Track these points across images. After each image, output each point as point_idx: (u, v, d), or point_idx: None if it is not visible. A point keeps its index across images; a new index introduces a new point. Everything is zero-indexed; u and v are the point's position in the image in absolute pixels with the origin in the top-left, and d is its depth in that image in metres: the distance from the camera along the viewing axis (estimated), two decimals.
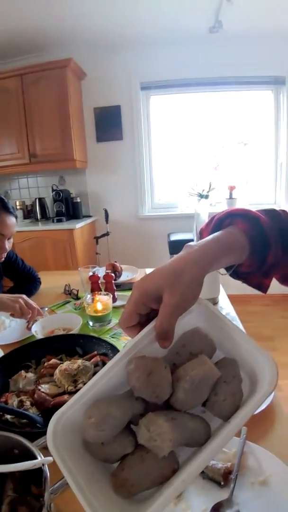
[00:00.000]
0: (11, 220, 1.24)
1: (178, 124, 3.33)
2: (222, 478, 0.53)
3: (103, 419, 0.33)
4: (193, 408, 0.36)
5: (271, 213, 0.52)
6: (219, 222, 0.52)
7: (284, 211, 0.54)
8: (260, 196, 3.35)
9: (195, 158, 3.39)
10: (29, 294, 1.47)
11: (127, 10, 2.51)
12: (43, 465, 0.42)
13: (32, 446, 0.46)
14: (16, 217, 1.28)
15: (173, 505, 0.49)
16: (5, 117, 2.91)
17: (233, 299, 1.34)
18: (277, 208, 0.54)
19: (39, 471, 0.42)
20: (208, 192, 3.18)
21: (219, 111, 3.26)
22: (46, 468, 0.42)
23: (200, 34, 2.83)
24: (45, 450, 0.39)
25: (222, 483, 0.53)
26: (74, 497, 0.30)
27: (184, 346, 0.39)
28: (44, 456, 0.43)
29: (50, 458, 0.42)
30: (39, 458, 0.43)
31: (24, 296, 1.12)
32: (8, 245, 1.26)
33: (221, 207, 3.29)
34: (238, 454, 0.56)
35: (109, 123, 3.17)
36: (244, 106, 3.23)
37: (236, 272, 0.53)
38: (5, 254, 1.27)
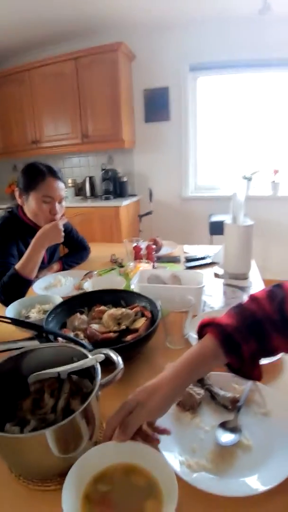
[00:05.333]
0: (58, 184, 1.38)
1: (225, 106, 3.31)
2: (230, 403, 0.66)
3: None
4: None
5: (239, 310, 0.62)
6: (200, 333, 0.64)
7: (252, 298, 0.64)
8: None
9: (240, 140, 3.36)
10: (80, 260, 1.69)
11: None
12: (96, 361, 0.59)
13: (88, 353, 0.63)
14: (64, 182, 1.43)
15: (189, 419, 0.63)
16: (61, 99, 3.13)
17: (270, 283, 1.39)
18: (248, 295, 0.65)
19: (92, 371, 0.59)
20: (252, 174, 3.18)
21: (267, 92, 3.18)
22: (98, 365, 0.59)
23: (249, 15, 2.77)
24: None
25: (229, 407, 0.65)
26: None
27: None
28: None
29: (101, 355, 0.60)
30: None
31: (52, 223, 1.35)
32: (59, 208, 1.41)
33: (265, 191, 3.27)
34: (246, 389, 0.69)
35: (157, 104, 3.26)
36: None
37: (231, 369, 0.62)
38: (59, 216, 1.42)
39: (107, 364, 0.58)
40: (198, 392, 0.68)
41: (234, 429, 0.59)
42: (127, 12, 2.83)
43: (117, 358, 0.60)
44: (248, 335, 0.58)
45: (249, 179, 3.20)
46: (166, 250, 1.79)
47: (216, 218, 2.91)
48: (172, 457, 0.53)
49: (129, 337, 0.85)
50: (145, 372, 0.80)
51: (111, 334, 0.88)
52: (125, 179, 3.37)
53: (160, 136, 3.37)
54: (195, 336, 0.84)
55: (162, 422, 0.56)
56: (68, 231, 1.69)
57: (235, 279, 1.37)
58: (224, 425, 0.60)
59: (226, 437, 0.57)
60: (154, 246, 1.57)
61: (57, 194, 1.39)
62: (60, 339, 0.77)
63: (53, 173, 1.38)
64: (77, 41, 3.18)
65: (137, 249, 1.52)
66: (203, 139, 3.43)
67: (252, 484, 0.48)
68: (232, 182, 3.32)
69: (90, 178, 3.50)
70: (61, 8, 2.67)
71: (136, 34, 3.11)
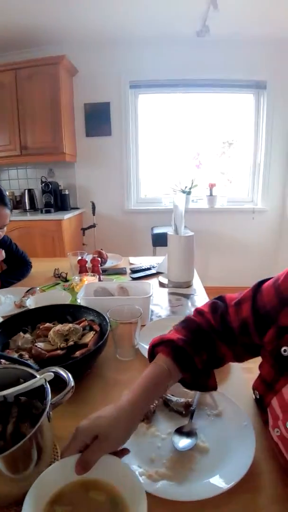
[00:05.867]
0: (5, 211, 1.32)
1: (164, 122, 3.48)
2: (184, 408, 0.67)
3: None
4: None
5: (185, 324, 0.66)
6: (151, 354, 0.65)
7: (198, 311, 0.69)
8: (238, 194, 3.56)
9: (179, 155, 3.55)
10: (21, 276, 1.60)
11: (119, 11, 2.63)
12: (45, 380, 0.56)
13: (36, 373, 0.60)
14: (10, 209, 1.36)
15: (145, 429, 0.63)
16: None
17: (210, 291, 1.45)
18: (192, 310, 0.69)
19: (41, 391, 0.56)
20: (190, 188, 3.36)
21: (204, 111, 3.43)
22: (47, 384, 0.56)
23: (188, 37, 2.97)
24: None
25: (183, 412, 0.66)
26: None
27: None
28: None
29: (50, 374, 0.57)
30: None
31: None
32: (0, 233, 1.37)
33: (202, 204, 3.48)
34: (197, 393, 0.70)
35: (98, 118, 3.30)
36: (227, 107, 3.41)
37: (186, 385, 0.64)
38: None
39: (57, 383, 0.56)
40: None
41: (190, 433, 0.60)
42: (71, 26, 2.84)
43: (67, 376, 0.58)
44: (198, 346, 0.61)
45: (188, 193, 3.38)
46: (111, 262, 1.79)
47: (158, 230, 3.00)
48: (132, 469, 0.52)
49: (77, 353, 0.82)
50: (97, 387, 0.78)
51: (58, 351, 0.84)
52: (66, 192, 3.31)
53: (102, 150, 3.40)
54: (146, 346, 0.85)
55: None
56: (7, 245, 1.60)
57: (179, 288, 1.42)
58: (179, 431, 0.61)
59: (183, 442, 0.57)
60: (99, 259, 1.55)
61: (1, 221, 1.33)
62: (3, 361, 0.72)
63: (1, 200, 1.31)
64: (19, 52, 3.10)
65: (82, 262, 1.49)
66: (145, 154, 3.54)
67: (215, 485, 0.48)
68: (172, 196, 3.46)
69: (29, 190, 3.37)
70: (3, 17, 2.59)
71: (78, 49, 3.13)
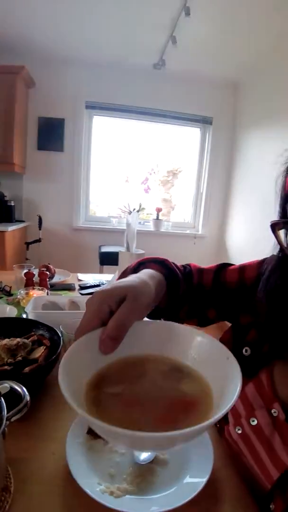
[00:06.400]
0: None
1: (117, 145, 3.58)
2: None
3: None
4: None
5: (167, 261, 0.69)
6: (133, 271, 0.60)
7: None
8: (182, 219, 3.76)
9: (129, 178, 3.66)
10: None
11: (79, 31, 2.67)
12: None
13: None
14: None
15: (102, 445, 0.59)
16: None
17: None
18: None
19: None
20: (138, 211, 3.45)
21: (154, 139, 3.62)
22: (1, 398, 0.52)
23: (145, 68, 3.16)
24: None
25: None
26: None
27: None
28: None
29: (6, 386, 0.53)
30: None
31: None
32: None
33: (149, 226, 3.59)
34: None
35: (51, 133, 3.27)
36: (176, 138, 3.65)
37: (156, 313, 0.60)
38: None
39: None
40: None
41: None
42: (32, 38, 2.83)
43: (21, 389, 0.54)
44: (181, 276, 0.62)
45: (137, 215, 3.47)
46: (58, 278, 1.74)
47: (106, 249, 3.00)
48: (92, 487, 0.49)
49: (27, 369, 0.77)
50: (49, 405, 0.73)
51: (6, 367, 0.78)
52: (12, 203, 3.16)
53: (53, 165, 3.35)
54: None
55: (73, 453, 0.53)
56: None
57: None
58: None
59: (144, 455, 0.56)
60: (47, 273, 1.50)
61: None
62: None
63: None
64: None
65: (29, 275, 1.42)
66: (96, 173, 3.57)
67: (177, 495, 0.48)
68: (120, 217, 3.52)
69: None
70: None
71: (37, 61, 3.10)
